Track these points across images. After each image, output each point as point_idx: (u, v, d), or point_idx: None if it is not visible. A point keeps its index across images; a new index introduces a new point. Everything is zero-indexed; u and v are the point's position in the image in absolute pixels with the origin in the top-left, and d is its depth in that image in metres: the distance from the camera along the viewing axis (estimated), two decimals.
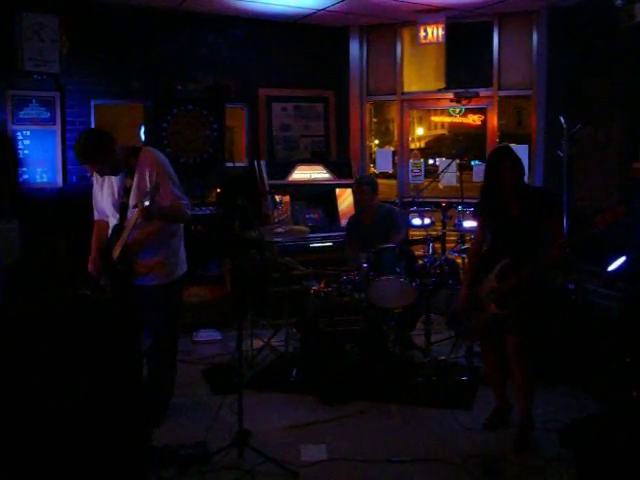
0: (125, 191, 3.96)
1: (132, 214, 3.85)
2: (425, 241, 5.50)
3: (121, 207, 3.97)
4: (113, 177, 4.04)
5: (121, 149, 4.03)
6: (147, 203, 3.62)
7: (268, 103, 7.28)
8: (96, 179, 4.16)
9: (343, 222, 6.87)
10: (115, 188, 4.05)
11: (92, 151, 3.89)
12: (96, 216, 4.28)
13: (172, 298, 4.21)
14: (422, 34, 6.77)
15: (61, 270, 5.68)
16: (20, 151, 5.99)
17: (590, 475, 3.15)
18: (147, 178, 3.93)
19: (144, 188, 3.88)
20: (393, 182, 7.71)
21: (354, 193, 5.63)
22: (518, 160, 3.88)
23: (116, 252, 3.94)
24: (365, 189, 5.44)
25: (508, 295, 3.82)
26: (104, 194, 4.12)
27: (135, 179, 3.95)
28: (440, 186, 7.32)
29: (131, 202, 3.92)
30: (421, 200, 6.48)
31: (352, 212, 6.92)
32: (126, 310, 2.98)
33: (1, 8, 5.75)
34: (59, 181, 6.12)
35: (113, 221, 4.09)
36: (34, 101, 6.02)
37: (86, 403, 2.67)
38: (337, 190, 7.00)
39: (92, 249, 4.24)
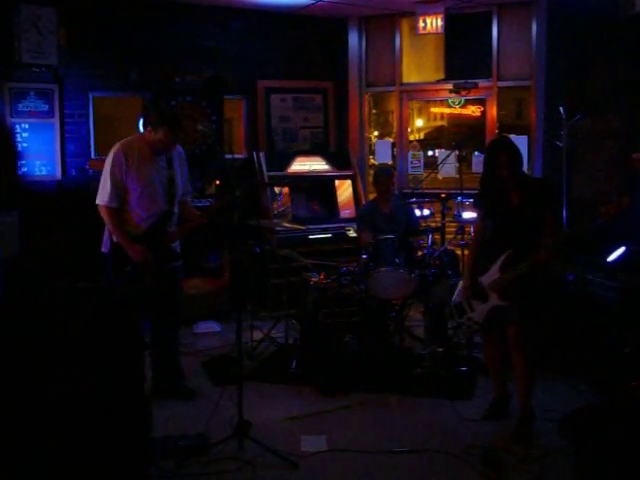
0: (169, 180, 4.23)
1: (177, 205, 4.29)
2: (425, 232, 5.51)
3: (169, 196, 4.22)
4: (159, 162, 4.20)
5: None
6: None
7: (267, 94, 7.27)
8: (126, 162, 4.09)
9: (342, 213, 6.88)
10: (161, 173, 4.21)
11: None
12: (114, 203, 4.11)
13: None
14: (421, 25, 6.74)
15: (60, 262, 5.68)
16: (19, 144, 5.97)
17: (589, 465, 3.16)
18: (184, 173, 4.38)
19: (184, 181, 4.37)
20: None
21: (377, 184, 5.67)
22: (516, 150, 3.86)
23: (174, 238, 4.33)
24: (391, 180, 5.76)
25: (511, 286, 3.84)
26: (151, 177, 4.15)
27: (176, 172, 4.26)
28: (439, 177, 7.32)
29: (177, 193, 4.26)
30: (420, 191, 6.48)
31: (351, 203, 6.93)
32: (127, 300, 2.99)
33: None
34: (58, 174, 6.11)
35: (149, 205, 4.15)
36: (32, 93, 6.00)
37: (85, 395, 2.67)
38: (336, 181, 6.99)
39: (123, 237, 4.08)
